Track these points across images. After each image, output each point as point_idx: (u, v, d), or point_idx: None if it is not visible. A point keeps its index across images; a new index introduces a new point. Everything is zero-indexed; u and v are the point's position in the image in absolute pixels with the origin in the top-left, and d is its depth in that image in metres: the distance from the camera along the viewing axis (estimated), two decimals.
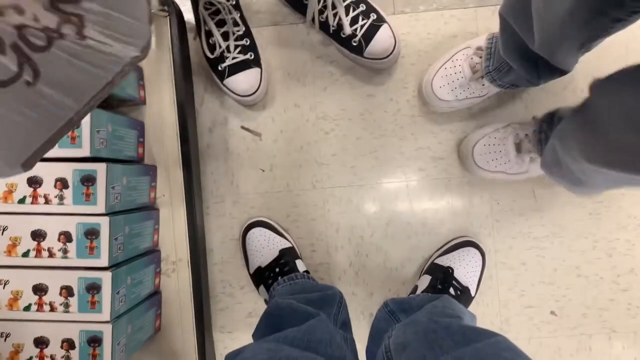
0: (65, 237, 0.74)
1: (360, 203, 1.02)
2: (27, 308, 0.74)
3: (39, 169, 0.73)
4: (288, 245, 0.99)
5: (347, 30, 0.92)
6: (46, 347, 0.74)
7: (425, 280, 0.94)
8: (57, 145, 0.71)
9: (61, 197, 0.74)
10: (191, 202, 0.92)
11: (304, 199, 1.03)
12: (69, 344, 0.75)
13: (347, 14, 0.92)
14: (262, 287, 0.96)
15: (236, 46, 0.94)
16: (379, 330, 0.81)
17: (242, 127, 1.02)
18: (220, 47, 0.94)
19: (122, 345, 0.77)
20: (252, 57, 0.95)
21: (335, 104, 1.02)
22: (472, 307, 1.00)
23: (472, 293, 0.95)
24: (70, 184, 0.74)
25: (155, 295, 0.90)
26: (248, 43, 0.96)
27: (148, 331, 0.87)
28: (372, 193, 1.02)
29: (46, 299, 0.74)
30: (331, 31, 0.94)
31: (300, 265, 0.97)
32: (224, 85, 0.96)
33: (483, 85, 0.90)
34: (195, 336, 0.91)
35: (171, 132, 0.89)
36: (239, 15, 0.95)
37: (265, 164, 1.03)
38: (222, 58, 0.95)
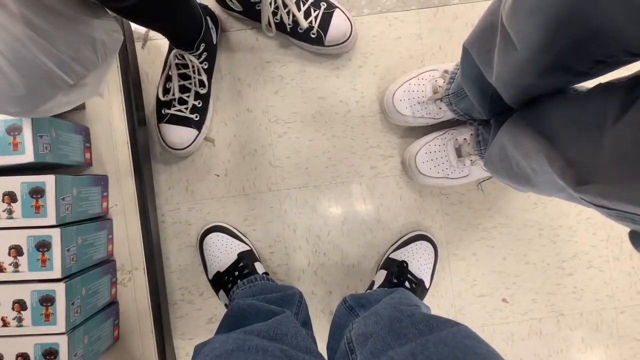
0: (16, 250, 0.73)
1: (316, 203, 1.04)
2: None
3: None
4: (246, 248, 1.00)
5: (304, 24, 0.94)
6: None
7: (382, 275, 0.97)
8: None
9: (10, 211, 0.73)
10: (145, 211, 0.92)
11: (260, 202, 1.04)
12: (23, 358, 0.73)
13: (299, 9, 0.94)
14: (222, 292, 0.97)
15: (187, 102, 0.95)
16: (339, 326, 0.83)
17: None
18: (173, 94, 0.94)
19: (79, 357, 0.76)
20: (197, 118, 0.97)
21: (287, 107, 1.04)
22: (427, 299, 1.03)
23: (427, 285, 0.99)
24: (18, 197, 0.73)
25: (112, 305, 0.89)
26: (200, 105, 0.97)
27: (106, 341, 0.86)
28: (327, 193, 1.04)
29: None
30: (289, 30, 0.96)
31: (260, 268, 0.98)
32: (157, 127, 0.97)
33: (440, 108, 0.93)
34: (155, 344, 0.91)
35: (121, 140, 0.89)
36: (207, 77, 0.96)
37: (219, 169, 1.03)
38: (169, 104, 0.96)
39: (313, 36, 0.97)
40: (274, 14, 0.95)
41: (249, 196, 1.04)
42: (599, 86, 0.56)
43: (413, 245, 1.00)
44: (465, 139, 0.93)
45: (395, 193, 1.04)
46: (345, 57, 1.03)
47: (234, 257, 0.98)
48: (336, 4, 0.97)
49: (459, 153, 0.94)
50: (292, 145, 1.04)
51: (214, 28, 0.97)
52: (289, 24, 0.96)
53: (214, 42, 0.97)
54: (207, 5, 0.99)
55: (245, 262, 0.97)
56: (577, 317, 1.06)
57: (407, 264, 0.97)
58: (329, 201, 1.04)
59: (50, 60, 0.54)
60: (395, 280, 0.95)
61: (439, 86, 0.93)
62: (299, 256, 1.05)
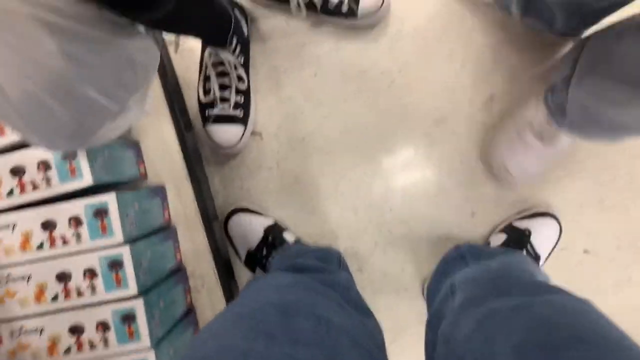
0: (91, 273, 0.74)
1: (372, 180, 1.01)
2: (67, 351, 0.74)
3: (50, 211, 0.73)
4: (270, 222, 0.98)
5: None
6: None
7: (500, 237, 0.94)
8: (59, 181, 0.72)
9: (78, 236, 0.74)
10: (206, 215, 0.92)
11: (315, 188, 1.02)
12: None
13: None
14: (258, 269, 0.96)
15: (229, 99, 0.93)
16: (445, 272, 0.81)
17: None
18: (214, 94, 0.93)
19: None
20: (241, 114, 0.95)
21: (328, 88, 1.00)
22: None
23: (541, 262, 0.95)
24: (84, 220, 0.73)
25: (189, 313, 0.90)
26: (242, 101, 0.95)
27: None
28: (383, 168, 1.01)
29: (84, 338, 0.74)
30: (319, 8, 0.93)
31: (289, 236, 0.97)
32: (205, 128, 0.96)
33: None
34: None
35: (172, 147, 0.88)
36: (244, 71, 0.94)
37: (270, 161, 1.02)
38: (212, 105, 0.94)
39: (345, 10, 0.93)
40: None
41: (303, 184, 1.01)
42: None
43: (540, 219, 0.96)
44: (540, 118, 0.86)
45: (455, 158, 1.00)
46: (381, 25, 0.99)
47: (261, 233, 0.96)
48: None
49: (540, 137, 0.87)
50: (339, 125, 1.01)
51: (243, 20, 0.94)
52: (318, 2, 0.92)
53: (246, 35, 0.95)
54: None
55: (273, 235, 0.95)
56: None
57: (530, 233, 0.93)
58: (386, 176, 1.01)
59: (95, 91, 0.52)
60: (513, 245, 0.91)
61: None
62: (364, 238, 1.02)
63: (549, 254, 0.96)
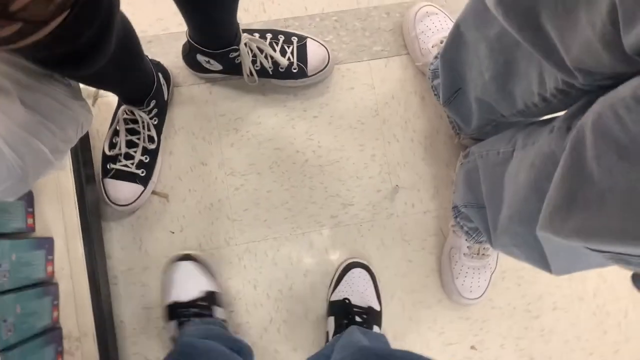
0: None
1: (276, 256, 1.01)
2: None
3: None
4: (216, 289, 0.95)
5: (284, 62, 0.96)
6: None
7: (331, 322, 0.94)
8: None
9: None
10: (94, 273, 0.87)
11: (218, 258, 1.00)
12: None
13: (274, 50, 0.95)
14: (174, 323, 0.91)
15: (134, 157, 0.93)
16: None
17: None
18: (119, 149, 0.93)
19: None
20: (143, 174, 0.95)
21: (244, 160, 1.02)
22: (399, 347, 1.00)
23: (377, 308, 0.96)
24: None
25: None
26: (147, 160, 0.95)
27: None
28: (288, 245, 1.01)
29: None
30: (271, 72, 0.97)
31: (220, 314, 0.94)
32: (102, 182, 0.95)
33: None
34: None
35: (68, 199, 0.85)
36: (156, 132, 0.95)
37: (174, 225, 1.00)
38: (114, 159, 0.94)
39: (295, 71, 0.98)
40: (253, 62, 0.95)
41: (205, 252, 1.00)
42: None
43: (347, 278, 0.97)
44: (461, 242, 0.95)
45: (358, 242, 1.02)
46: (299, 108, 1.04)
47: (201, 293, 0.93)
48: (305, 34, 0.99)
49: (474, 252, 0.96)
50: (250, 197, 1.02)
51: (165, 84, 0.96)
52: (269, 67, 0.96)
53: (165, 98, 0.96)
54: (159, 62, 0.98)
55: (209, 302, 0.92)
56: None
57: (348, 300, 0.94)
58: (290, 253, 1.02)
59: (46, 144, 0.56)
60: (345, 321, 0.92)
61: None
62: (260, 313, 1.00)
63: (378, 294, 0.98)
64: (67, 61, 0.53)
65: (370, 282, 0.98)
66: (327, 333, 0.94)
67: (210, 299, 0.93)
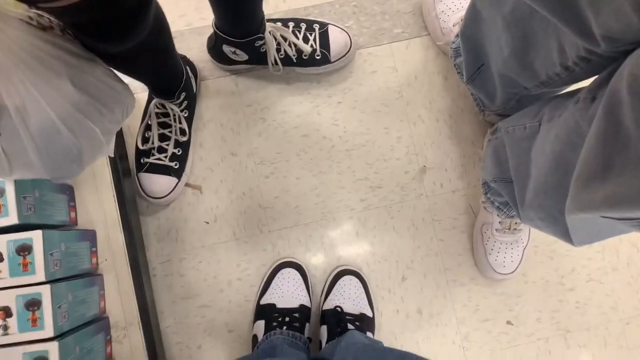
0: (4, 312, 0.70)
1: (308, 241, 1.03)
2: None
3: None
4: (308, 304, 0.97)
5: (307, 49, 0.97)
6: None
7: (324, 331, 0.93)
8: None
9: None
10: (135, 264, 0.90)
11: (252, 245, 1.02)
12: None
13: (298, 38, 0.97)
14: (261, 322, 0.93)
15: (167, 150, 0.95)
16: None
17: None
18: (152, 143, 0.95)
19: None
20: (177, 166, 0.97)
21: (272, 148, 1.04)
22: (431, 329, 1.01)
23: (370, 314, 0.96)
24: (5, 256, 0.71)
25: None
26: (180, 153, 0.97)
27: None
28: (319, 230, 1.03)
29: None
30: (295, 60, 0.99)
31: (307, 331, 0.95)
32: (137, 176, 0.97)
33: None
34: None
35: (107, 193, 0.87)
36: (187, 125, 0.96)
37: (208, 215, 1.02)
38: (148, 153, 0.96)
39: (318, 57, 0.99)
40: (277, 50, 0.97)
41: (240, 240, 1.02)
42: None
43: (337, 286, 0.97)
44: (493, 218, 0.96)
45: (388, 224, 1.03)
46: (324, 95, 1.05)
47: (297, 305, 0.95)
48: (327, 21, 1.01)
49: (506, 227, 0.96)
50: (280, 185, 1.03)
51: (193, 77, 0.98)
52: (293, 55, 0.98)
53: (194, 91, 0.98)
54: (185, 55, 1.00)
55: (301, 317, 0.94)
56: (584, 334, 1.04)
57: (340, 308, 0.94)
58: (322, 238, 1.03)
59: (96, 124, 0.58)
60: (338, 329, 0.91)
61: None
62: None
63: (370, 300, 0.98)
64: (109, 31, 0.55)
65: (362, 289, 0.98)
66: (320, 342, 0.94)
67: (304, 314, 0.95)
